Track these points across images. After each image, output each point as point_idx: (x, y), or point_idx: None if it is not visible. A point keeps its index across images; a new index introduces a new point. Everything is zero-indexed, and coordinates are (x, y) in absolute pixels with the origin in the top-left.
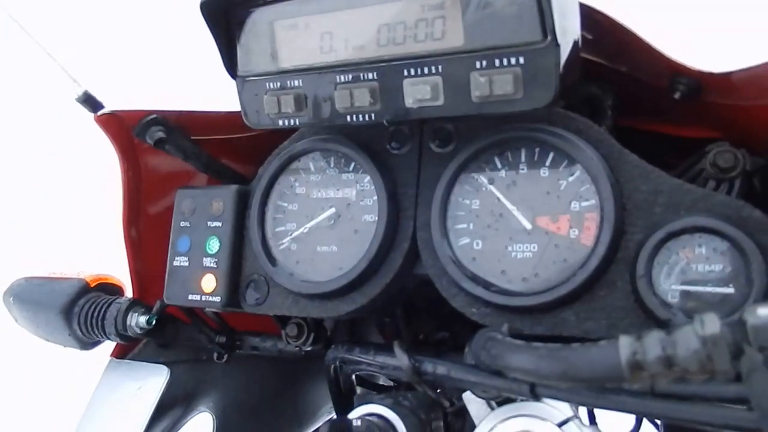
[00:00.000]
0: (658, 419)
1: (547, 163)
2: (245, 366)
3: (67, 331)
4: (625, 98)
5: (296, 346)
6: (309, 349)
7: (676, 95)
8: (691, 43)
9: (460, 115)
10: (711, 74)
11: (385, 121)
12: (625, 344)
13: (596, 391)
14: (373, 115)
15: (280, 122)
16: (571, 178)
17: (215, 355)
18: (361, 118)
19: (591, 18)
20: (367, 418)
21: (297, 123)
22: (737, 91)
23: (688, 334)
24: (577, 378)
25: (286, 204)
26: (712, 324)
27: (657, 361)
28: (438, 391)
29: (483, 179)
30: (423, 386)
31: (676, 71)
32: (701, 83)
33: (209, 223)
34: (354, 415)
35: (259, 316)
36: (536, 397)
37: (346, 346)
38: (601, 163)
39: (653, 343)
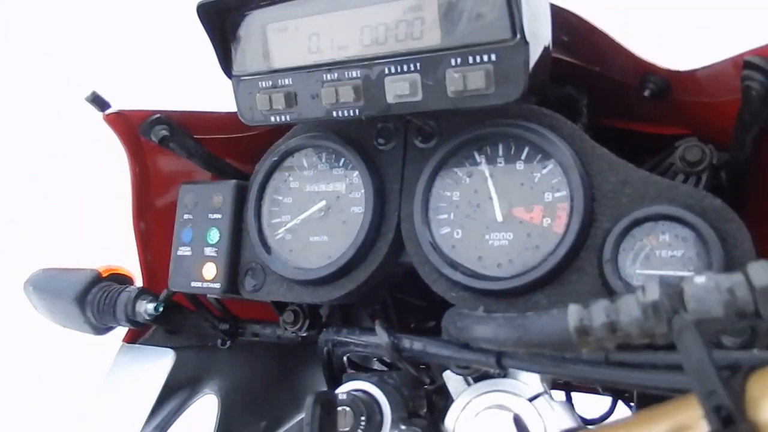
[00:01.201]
0: (609, 386)
1: (523, 157)
2: (247, 352)
3: (82, 318)
4: (600, 98)
5: (293, 332)
6: (305, 334)
7: (646, 93)
8: (663, 41)
9: (437, 109)
10: (677, 72)
11: (363, 117)
12: (573, 312)
13: (556, 361)
14: (356, 111)
15: (272, 118)
16: (544, 171)
17: (219, 341)
18: (345, 114)
19: (564, 19)
20: (353, 392)
21: (287, 119)
22: (702, 88)
23: (630, 301)
24: (531, 343)
25: (280, 197)
26: (651, 292)
27: (602, 326)
28: (421, 370)
29: (463, 172)
30: (403, 363)
31: (645, 70)
32: (670, 81)
33: (210, 215)
34: (341, 390)
35: (259, 305)
36: (502, 367)
37: (335, 328)
38: (572, 157)
39: (598, 311)
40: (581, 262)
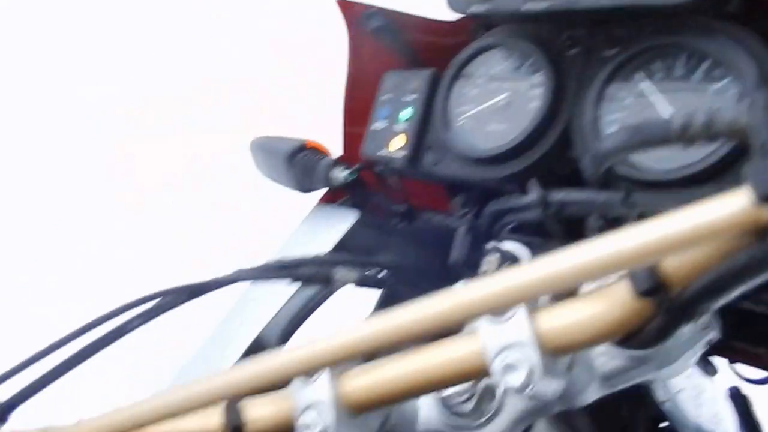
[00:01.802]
0: None
1: (700, 69)
2: (418, 237)
3: (289, 175)
4: None
5: (462, 215)
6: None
7: None
8: None
9: (615, 5)
10: None
11: (549, 9)
12: (680, 115)
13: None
14: (544, 4)
15: (470, 8)
16: (720, 84)
17: (395, 220)
18: (534, 7)
19: None
20: (502, 248)
21: (483, 9)
22: None
23: (726, 111)
24: (640, 141)
25: (468, 88)
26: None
27: (701, 124)
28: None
29: (638, 79)
30: (548, 220)
31: None
32: None
33: (406, 97)
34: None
35: (432, 196)
36: (628, 206)
37: (497, 199)
38: (750, 70)
39: (701, 112)
40: (736, 168)
